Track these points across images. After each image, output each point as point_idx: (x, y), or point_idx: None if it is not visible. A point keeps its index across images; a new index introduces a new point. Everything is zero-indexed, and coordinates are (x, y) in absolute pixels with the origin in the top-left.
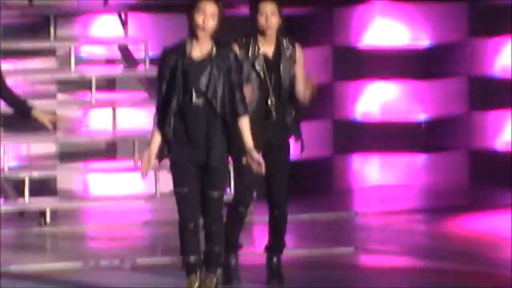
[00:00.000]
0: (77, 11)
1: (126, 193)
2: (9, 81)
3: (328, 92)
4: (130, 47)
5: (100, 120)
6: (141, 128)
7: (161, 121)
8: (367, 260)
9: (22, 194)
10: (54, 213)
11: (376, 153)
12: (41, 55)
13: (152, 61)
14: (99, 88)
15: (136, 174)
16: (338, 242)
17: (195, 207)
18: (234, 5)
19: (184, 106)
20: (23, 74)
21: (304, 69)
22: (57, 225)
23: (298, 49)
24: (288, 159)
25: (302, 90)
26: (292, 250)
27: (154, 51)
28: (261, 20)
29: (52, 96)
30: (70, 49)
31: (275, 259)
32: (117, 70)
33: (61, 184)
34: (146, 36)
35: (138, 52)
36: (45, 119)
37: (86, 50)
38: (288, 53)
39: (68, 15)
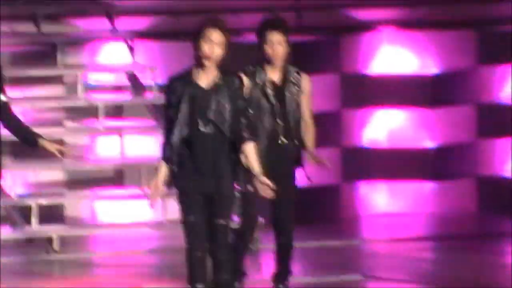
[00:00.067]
0: (84, 38)
1: (133, 220)
2: (17, 109)
3: (336, 120)
4: (138, 74)
5: (107, 147)
6: (149, 155)
7: (167, 149)
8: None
9: (30, 222)
10: (62, 240)
11: (384, 181)
12: (48, 82)
13: (160, 89)
14: (107, 115)
15: (143, 202)
16: (345, 270)
17: (202, 235)
18: (241, 33)
19: (190, 135)
20: (31, 102)
21: (312, 99)
22: (65, 252)
23: (305, 79)
24: (295, 186)
25: (309, 120)
26: (299, 277)
27: (161, 79)
28: (268, 49)
29: (59, 123)
30: (77, 77)
31: (281, 286)
32: (125, 97)
33: (69, 211)
34: (153, 64)
35: (146, 79)
36: (52, 149)
37: (94, 78)
38: (295, 82)
39: (76, 43)
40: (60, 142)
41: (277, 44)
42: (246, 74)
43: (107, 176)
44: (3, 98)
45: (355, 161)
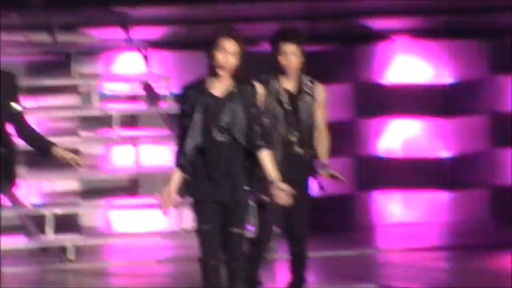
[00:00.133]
0: (99, 48)
1: (148, 229)
2: (32, 118)
3: (350, 129)
4: (152, 84)
5: (122, 157)
6: (164, 165)
7: (181, 158)
8: None
9: (44, 231)
10: (76, 249)
11: (399, 190)
12: (63, 92)
13: (175, 98)
14: (122, 124)
15: (158, 211)
16: (360, 280)
17: (216, 244)
18: (256, 42)
19: (204, 143)
20: (46, 111)
21: (326, 108)
22: (79, 261)
23: (320, 88)
24: (308, 195)
25: (323, 129)
26: (313, 287)
27: (176, 88)
28: (282, 60)
29: (74, 133)
30: (92, 86)
31: None
32: (139, 107)
33: (83, 221)
34: (168, 73)
35: (160, 89)
36: (66, 157)
37: (108, 87)
38: (308, 91)
39: (91, 52)
40: (75, 151)
41: (291, 55)
42: (260, 83)
43: (122, 186)
44: (18, 107)
45: (370, 170)
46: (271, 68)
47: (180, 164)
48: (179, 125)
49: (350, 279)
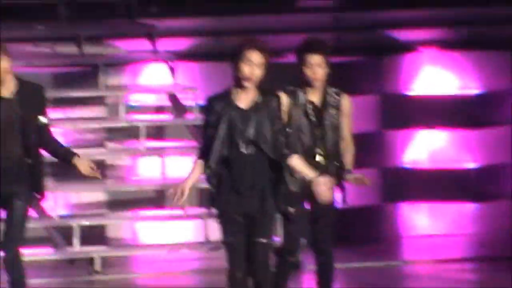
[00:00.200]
0: (126, 59)
1: (174, 241)
2: (59, 130)
3: (377, 140)
4: (179, 95)
5: (148, 168)
6: None
7: (206, 169)
8: None
9: (71, 242)
10: (103, 261)
11: (425, 202)
12: (90, 103)
13: (201, 109)
14: (148, 136)
15: (185, 223)
16: None
17: (243, 256)
18: (281, 53)
19: (230, 156)
20: (73, 123)
21: (352, 119)
22: (106, 273)
23: (346, 100)
24: (334, 207)
25: (349, 141)
26: None
27: (202, 99)
28: (308, 71)
29: (101, 144)
30: (119, 98)
31: None
32: (166, 118)
33: (110, 232)
34: (194, 84)
35: (186, 100)
36: (83, 169)
37: (135, 99)
38: (334, 103)
39: (117, 64)
40: (101, 163)
41: (316, 67)
42: (286, 94)
43: (148, 197)
44: (44, 120)
45: (396, 182)
46: (297, 80)
47: (206, 176)
48: (204, 136)
49: None
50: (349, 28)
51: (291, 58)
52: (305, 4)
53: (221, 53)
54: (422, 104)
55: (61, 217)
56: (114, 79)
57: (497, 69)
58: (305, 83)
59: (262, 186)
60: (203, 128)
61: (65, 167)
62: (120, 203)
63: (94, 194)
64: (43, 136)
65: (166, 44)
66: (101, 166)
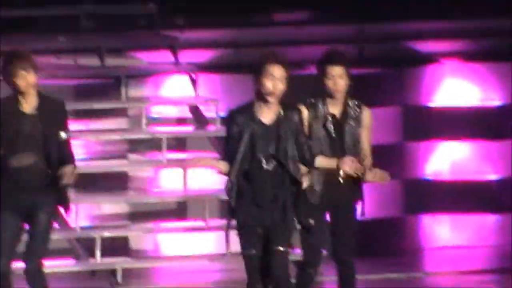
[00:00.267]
0: (148, 71)
1: (196, 252)
2: (81, 141)
3: (398, 152)
4: (201, 107)
5: (170, 180)
6: (212, 189)
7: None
8: None
9: (93, 254)
10: (125, 272)
11: (446, 213)
12: (112, 115)
13: (223, 121)
14: (170, 148)
15: (207, 234)
16: None
17: (261, 267)
18: (304, 65)
19: (251, 170)
20: (95, 134)
21: (371, 132)
22: (128, 284)
23: (366, 112)
24: (354, 218)
25: (368, 154)
26: None
27: (224, 111)
28: (329, 83)
29: (123, 156)
30: (141, 109)
31: None
32: (188, 130)
33: (132, 244)
34: (216, 96)
35: (208, 112)
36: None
37: (157, 110)
38: (354, 115)
39: (139, 76)
40: (123, 174)
41: (338, 78)
42: (306, 106)
43: (170, 209)
44: (64, 135)
45: (418, 193)
46: (318, 92)
47: (226, 188)
48: (226, 149)
49: None
50: (371, 40)
51: (312, 70)
52: (279, 18)
53: (243, 64)
54: (444, 116)
55: (83, 228)
56: (136, 91)
57: None
58: (327, 95)
59: (283, 200)
60: (225, 140)
61: (87, 178)
62: (141, 214)
63: (116, 206)
64: (61, 151)
65: (188, 56)
66: (123, 177)
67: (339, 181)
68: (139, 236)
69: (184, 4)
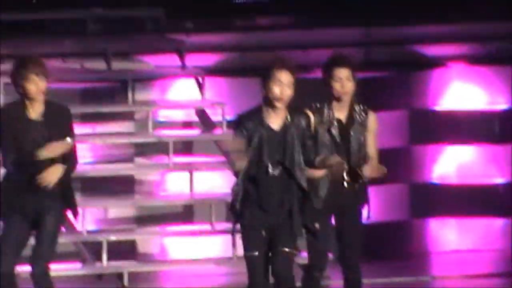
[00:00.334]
0: (154, 75)
1: (203, 256)
2: (87, 145)
3: (405, 156)
4: (207, 111)
5: (177, 184)
6: (218, 192)
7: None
8: None
9: (100, 257)
10: (132, 276)
11: (453, 217)
12: (119, 119)
13: (229, 125)
14: (177, 151)
15: (213, 238)
16: None
17: (264, 268)
18: (310, 69)
19: (258, 175)
20: (101, 138)
21: (377, 136)
22: None
23: (371, 117)
24: (360, 222)
25: (374, 158)
26: None
27: (231, 115)
28: (337, 86)
29: (129, 159)
30: (147, 113)
31: None
32: (194, 134)
33: (138, 247)
34: (222, 100)
35: (215, 116)
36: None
37: (164, 114)
38: (360, 119)
39: (146, 80)
40: (130, 178)
41: (345, 80)
42: (312, 111)
43: (177, 212)
44: (70, 140)
45: (424, 197)
46: (323, 96)
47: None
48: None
49: None
50: (377, 44)
51: (319, 74)
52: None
53: (249, 68)
54: (451, 119)
55: (90, 232)
56: (142, 95)
57: None
58: (333, 99)
59: (289, 205)
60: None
61: (94, 182)
62: (148, 218)
63: (122, 209)
64: (66, 154)
65: (195, 60)
66: (129, 181)
67: (344, 185)
68: (145, 240)
69: (191, 8)
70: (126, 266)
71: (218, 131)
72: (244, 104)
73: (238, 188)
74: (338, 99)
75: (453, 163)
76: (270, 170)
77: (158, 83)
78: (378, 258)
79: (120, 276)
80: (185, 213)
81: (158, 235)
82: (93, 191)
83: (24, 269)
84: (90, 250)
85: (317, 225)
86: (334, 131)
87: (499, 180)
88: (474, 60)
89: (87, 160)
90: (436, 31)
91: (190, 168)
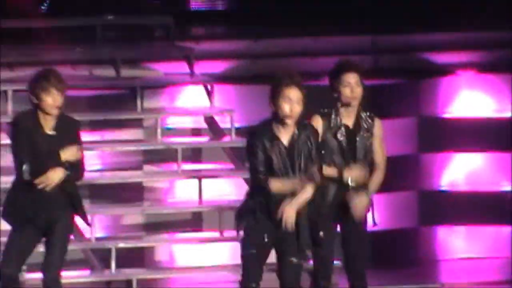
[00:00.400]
0: (163, 82)
1: (212, 264)
2: (96, 152)
3: (414, 163)
4: (216, 118)
5: (186, 191)
6: (227, 199)
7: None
8: None
9: (108, 265)
10: (140, 283)
11: (462, 225)
12: (127, 126)
13: (238, 132)
14: (185, 158)
15: (222, 245)
16: None
17: (260, 268)
18: (319, 76)
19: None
20: (110, 145)
21: (384, 142)
22: None
23: (377, 124)
24: (365, 229)
25: (380, 164)
26: None
27: (239, 122)
28: (346, 91)
29: (138, 167)
30: (156, 120)
31: None
32: (203, 141)
33: (147, 255)
34: (231, 107)
35: (224, 123)
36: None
37: (172, 121)
38: (366, 126)
39: (155, 87)
40: (139, 185)
41: (355, 85)
42: (321, 116)
43: (185, 219)
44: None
45: (433, 204)
46: (332, 102)
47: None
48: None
49: None
50: (386, 51)
51: (327, 81)
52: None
53: (258, 75)
54: (459, 127)
55: (98, 239)
56: (151, 102)
57: None
58: (341, 105)
59: (297, 218)
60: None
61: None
62: (157, 225)
63: (131, 217)
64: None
65: (203, 67)
66: (138, 188)
67: (350, 189)
68: (154, 247)
69: (200, 16)
70: (135, 273)
71: (226, 138)
72: (253, 111)
73: (254, 203)
74: (347, 105)
75: (462, 170)
76: None
77: (167, 90)
78: (387, 266)
79: (129, 283)
80: (193, 220)
81: (167, 242)
82: (101, 198)
83: (35, 276)
84: (99, 257)
85: (321, 234)
86: (341, 137)
87: (508, 187)
88: (483, 68)
89: (95, 167)
90: (445, 39)
91: (198, 175)
